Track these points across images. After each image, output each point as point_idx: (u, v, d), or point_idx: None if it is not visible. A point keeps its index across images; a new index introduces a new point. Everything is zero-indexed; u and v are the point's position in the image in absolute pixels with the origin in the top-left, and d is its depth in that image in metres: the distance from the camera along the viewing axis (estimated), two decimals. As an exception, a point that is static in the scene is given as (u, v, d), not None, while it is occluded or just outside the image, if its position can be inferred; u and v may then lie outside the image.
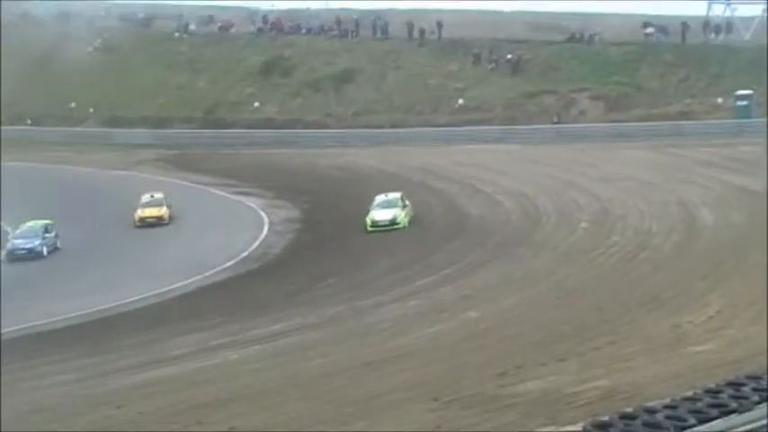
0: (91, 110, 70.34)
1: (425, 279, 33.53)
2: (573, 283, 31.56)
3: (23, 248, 41.29)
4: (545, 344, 24.61)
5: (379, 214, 41.99)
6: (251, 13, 79.00)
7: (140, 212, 45.91)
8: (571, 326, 26.27)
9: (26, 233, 42.21)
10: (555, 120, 62.04)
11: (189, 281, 36.03)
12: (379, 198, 43.08)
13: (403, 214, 42.09)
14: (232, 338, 28.28)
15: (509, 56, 66.77)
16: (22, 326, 31.19)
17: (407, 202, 43.06)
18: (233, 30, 76.56)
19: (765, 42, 59.69)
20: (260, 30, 75.64)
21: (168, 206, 46.54)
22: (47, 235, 42.19)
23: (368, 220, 41.87)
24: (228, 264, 38.33)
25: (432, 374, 22.74)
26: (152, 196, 47.22)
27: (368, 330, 27.92)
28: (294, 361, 25.29)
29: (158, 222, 45.65)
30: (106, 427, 20.94)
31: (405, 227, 41.60)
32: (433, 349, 25.26)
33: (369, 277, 34.88)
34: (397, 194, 43.36)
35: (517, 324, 27.12)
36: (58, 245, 42.70)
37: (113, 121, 69.37)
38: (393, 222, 41.62)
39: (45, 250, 41.62)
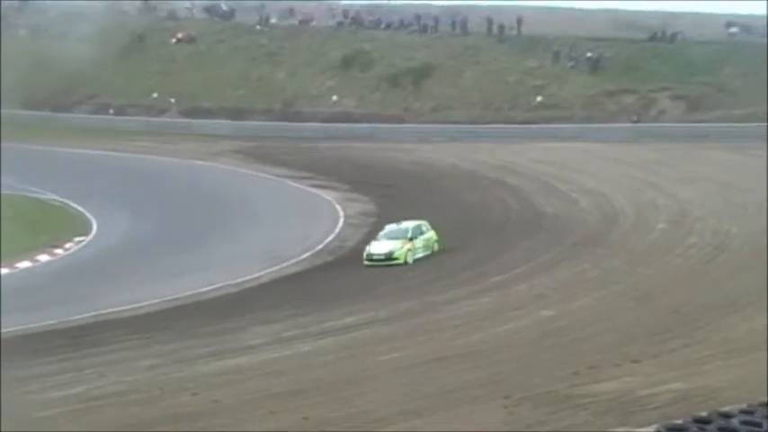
0: (172, 100, 71.35)
1: (498, 277, 33.45)
2: (649, 284, 31.24)
3: None
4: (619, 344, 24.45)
5: (375, 247, 36.92)
6: (331, 7, 79.53)
7: None
8: (646, 328, 26.04)
9: None
10: (634, 119, 61.40)
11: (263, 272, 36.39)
12: (388, 227, 37.89)
13: (405, 248, 36.38)
14: (304, 330, 28.49)
15: (589, 54, 66.27)
16: None
17: (429, 234, 37.47)
18: (313, 23, 77.10)
19: None
20: (340, 23, 76.05)
21: None
22: None
23: (364, 253, 37.04)
24: (304, 255, 38.64)
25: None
26: None
27: (440, 326, 27.92)
28: (366, 354, 25.41)
29: None
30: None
31: (405, 263, 36.14)
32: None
33: (444, 272, 34.89)
34: (411, 224, 37.57)
35: (591, 324, 26.95)
36: None
37: (194, 112, 70.32)
38: (389, 257, 36.11)
39: None
